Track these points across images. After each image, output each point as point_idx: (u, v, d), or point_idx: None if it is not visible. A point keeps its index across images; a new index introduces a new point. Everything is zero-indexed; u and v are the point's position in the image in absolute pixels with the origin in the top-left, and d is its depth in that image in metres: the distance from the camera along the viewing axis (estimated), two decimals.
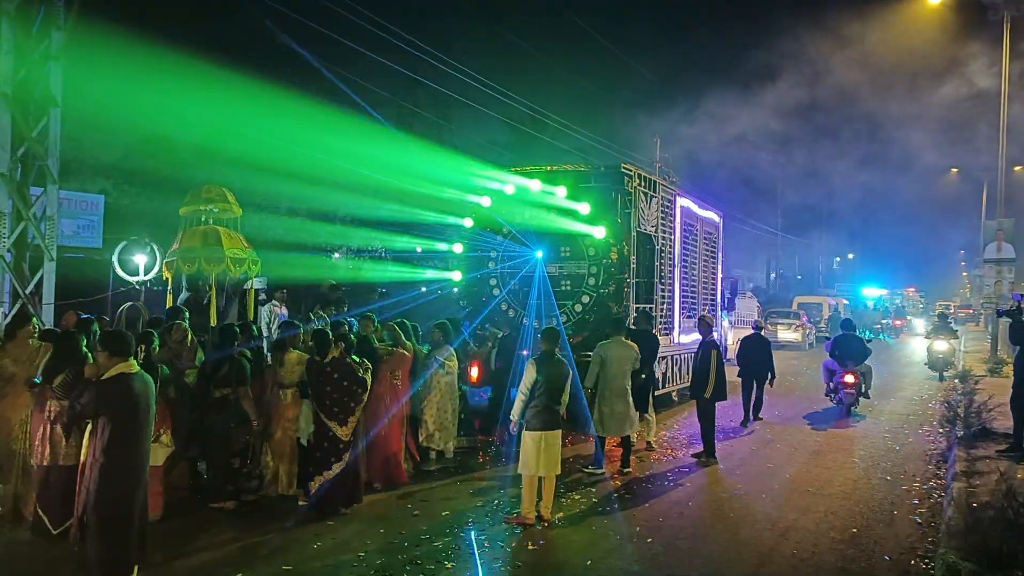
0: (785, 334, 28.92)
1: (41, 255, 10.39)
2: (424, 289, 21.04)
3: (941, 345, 18.82)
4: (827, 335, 30.51)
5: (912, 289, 58.86)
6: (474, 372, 10.57)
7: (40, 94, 10.29)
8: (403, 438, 8.30)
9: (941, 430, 11.68)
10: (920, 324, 42.36)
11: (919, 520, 7.16)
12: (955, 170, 50.97)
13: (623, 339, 8.99)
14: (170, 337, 7.48)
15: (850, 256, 74.54)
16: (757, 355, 12.19)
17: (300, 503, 7.02)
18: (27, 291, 10.16)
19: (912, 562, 6.06)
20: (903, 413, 13.57)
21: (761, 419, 12.40)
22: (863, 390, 13.22)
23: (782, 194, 51.62)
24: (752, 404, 12.23)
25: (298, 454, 7.38)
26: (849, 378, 12.82)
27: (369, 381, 7.12)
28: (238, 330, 7.53)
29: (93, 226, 16.81)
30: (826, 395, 13.66)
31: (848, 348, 13.08)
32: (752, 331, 12.91)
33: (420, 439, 8.66)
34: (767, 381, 12.11)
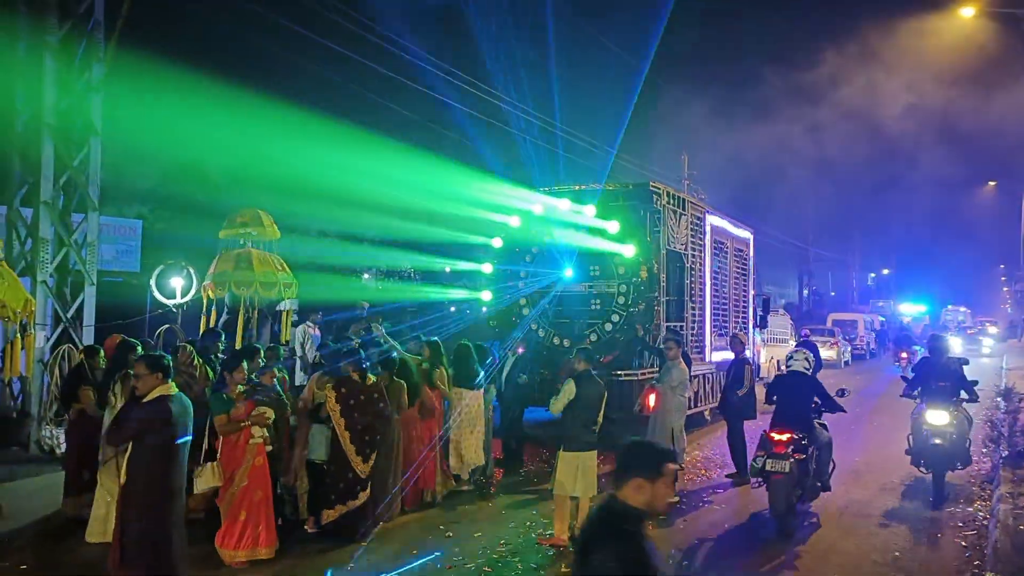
0: (820, 351, 28.43)
1: (82, 280, 10.65)
2: (453, 309, 21.11)
3: (937, 417, 8.65)
4: (863, 352, 30.80)
5: (964, 308, 57.03)
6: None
7: (82, 124, 10.61)
8: (436, 460, 8.28)
9: (984, 450, 11.36)
10: (957, 343, 39.07)
11: (964, 543, 6.96)
12: (993, 183, 50.06)
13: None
14: (177, 360, 7.46)
15: (885, 272, 73.23)
16: None
17: (308, 529, 6.89)
18: (68, 315, 10.42)
19: None
20: None
21: None
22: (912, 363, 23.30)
23: (815, 210, 51.06)
24: None
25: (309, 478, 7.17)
26: (904, 355, 23.03)
27: (401, 406, 7.13)
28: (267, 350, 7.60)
29: (131, 251, 17.18)
30: (894, 363, 24.82)
31: (903, 339, 25.42)
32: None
33: (452, 461, 8.65)
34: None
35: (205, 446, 6.24)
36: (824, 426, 7.95)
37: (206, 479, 6.07)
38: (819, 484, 7.70)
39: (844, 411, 7.94)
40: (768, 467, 7.19)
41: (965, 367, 9.04)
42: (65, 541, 6.60)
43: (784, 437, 7.29)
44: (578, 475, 6.65)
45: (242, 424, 6.21)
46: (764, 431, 7.61)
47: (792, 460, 7.14)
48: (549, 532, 6.84)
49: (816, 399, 7.77)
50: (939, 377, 8.83)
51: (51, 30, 10.16)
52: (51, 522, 7.01)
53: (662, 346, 9.34)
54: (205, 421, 6.23)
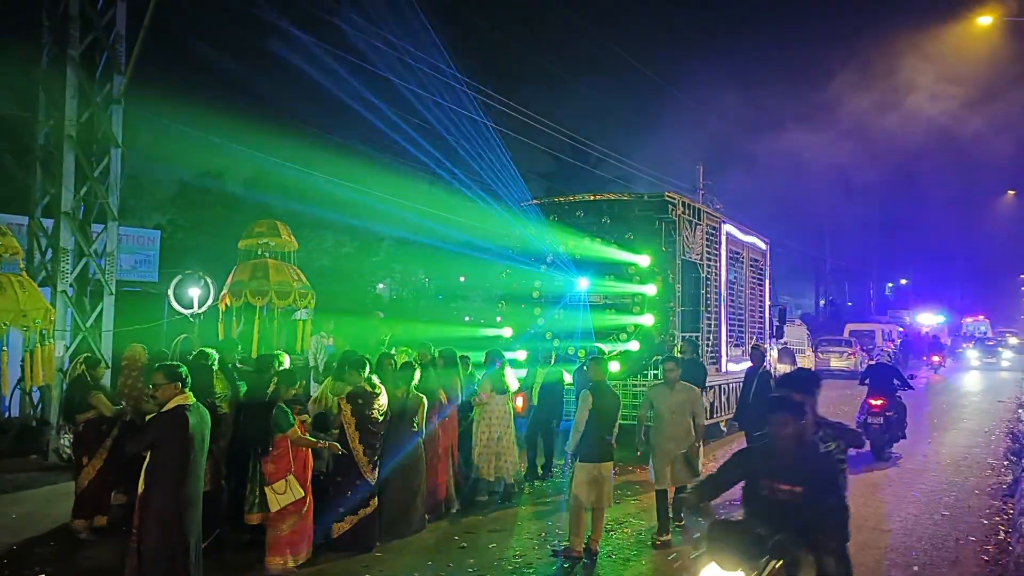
0: (837, 362, 28.46)
1: (101, 290, 10.76)
2: (468, 319, 21.16)
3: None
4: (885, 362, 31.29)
5: (983, 316, 55.98)
6: (519, 402, 10.52)
7: (102, 135, 10.75)
8: (449, 468, 8.26)
9: (1006, 463, 11.19)
10: (974, 356, 37.28)
11: (986, 558, 6.85)
12: (1012, 192, 49.52)
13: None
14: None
15: (903, 282, 72.50)
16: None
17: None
18: (87, 325, 10.52)
19: None
20: (965, 445, 13.04)
21: None
22: (943, 364, 31.04)
23: (832, 220, 50.70)
24: None
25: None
26: (935, 358, 30.35)
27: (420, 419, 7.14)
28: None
29: (150, 261, 17.35)
30: (925, 366, 29.80)
31: (935, 345, 32.27)
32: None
33: (471, 471, 8.62)
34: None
35: (270, 468, 6.07)
36: (900, 398, 11.82)
37: (287, 495, 6.01)
38: (900, 433, 11.65)
39: (913, 388, 12.26)
40: (869, 421, 11.25)
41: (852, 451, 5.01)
42: (83, 549, 6.64)
43: (879, 402, 11.41)
44: (594, 486, 6.60)
45: (316, 440, 6.27)
46: (864, 399, 11.46)
47: (884, 416, 11.29)
48: (564, 543, 6.80)
49: (896, 380, 11.75)
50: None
51: (73, 43, 10.32)
52: (69, 530, 7.05)
53: (664, 365, 8.74)
54: (230, 432, 6.25)
